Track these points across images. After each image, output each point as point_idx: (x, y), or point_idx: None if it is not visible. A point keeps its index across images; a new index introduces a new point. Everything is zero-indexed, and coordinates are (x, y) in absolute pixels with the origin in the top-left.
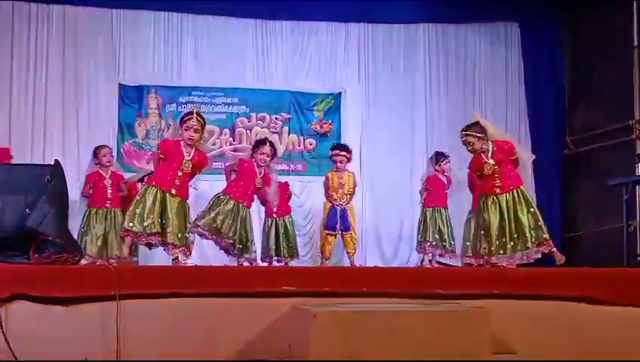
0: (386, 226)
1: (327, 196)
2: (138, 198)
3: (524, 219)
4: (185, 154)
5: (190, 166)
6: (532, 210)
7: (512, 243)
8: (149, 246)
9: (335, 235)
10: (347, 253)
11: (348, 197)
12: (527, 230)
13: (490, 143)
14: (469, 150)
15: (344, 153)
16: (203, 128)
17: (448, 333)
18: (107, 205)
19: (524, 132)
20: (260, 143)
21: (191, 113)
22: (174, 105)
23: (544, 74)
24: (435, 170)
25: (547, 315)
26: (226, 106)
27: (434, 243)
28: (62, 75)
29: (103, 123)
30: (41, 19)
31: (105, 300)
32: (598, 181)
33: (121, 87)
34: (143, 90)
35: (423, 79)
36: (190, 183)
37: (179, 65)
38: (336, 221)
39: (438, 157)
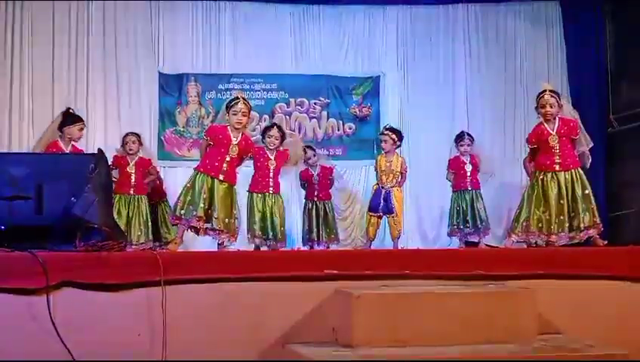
0: (427, 209)
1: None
2: (188, 185)
3: (580, 199)
4: (232, 138)
5: (237, 151)
6: (587, 191)
7: (568, 223)
8: (197, 232)
9: (379, 217)
10: (391, 235)
11: (395, 180)
12: (581, 211)
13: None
14: (543, 112)
15: (389, 133)
16: (250, 112)
17: (494, 315)
18: (131, 192)
19: (569, 110)
20: (267, 128)
21: (237, 98)
22: (214, 92)
23: (586, 52)
24: (459, 151)
25: (592, 294)
26: (265, 92)
27: (455, 227)
28: (103, 65)
29: (144, 112)
30: (81, 9)
31: (150, 286)
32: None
33: (161, 75)
34: (182, 79)
35: (463, 61)
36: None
37: (217, 52)
38: (379, 203)
39: (457, 138)
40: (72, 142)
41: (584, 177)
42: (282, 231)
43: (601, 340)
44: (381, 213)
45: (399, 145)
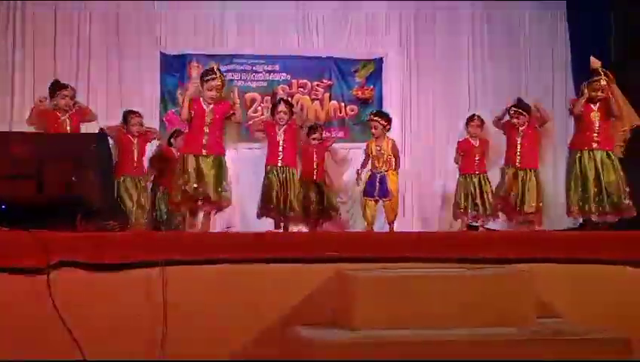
0: (429, 191)
1: (366, 164)
2: (179, 169)
3: (615, 181)
4: (206, 109)
5: (212, 117)
6: (621, 174)
7: (608, 200)
8: (193, 213)
9: (375, 201)
10: (387, 218)
11: (387, 164)
12: (615, 192)
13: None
14: (597, 87)
15: (377, 119)
16: (223, 86)
17: (493, 298)
18: (135, 173)
19: (571, 95)
20: (275, 105)
21: (213, 72)
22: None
23: (591, 38)
24: (468, 133)
25: (591, 278)
26: (267, 74)
27: (462, 210)
28: (105, 45)
29: (146, 92)
30: None
31: (150, 266)
32: None
33: (163, 55)
34: (184, 59)
35: (466, 43)
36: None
37: (220, 33)
38: (375, 187)
39: (468, 119)
40: (68, 111)
41: (617, 160)
42: (296, 204)
43: (601, 324)
44: (377, 197)
45: (389, 129)
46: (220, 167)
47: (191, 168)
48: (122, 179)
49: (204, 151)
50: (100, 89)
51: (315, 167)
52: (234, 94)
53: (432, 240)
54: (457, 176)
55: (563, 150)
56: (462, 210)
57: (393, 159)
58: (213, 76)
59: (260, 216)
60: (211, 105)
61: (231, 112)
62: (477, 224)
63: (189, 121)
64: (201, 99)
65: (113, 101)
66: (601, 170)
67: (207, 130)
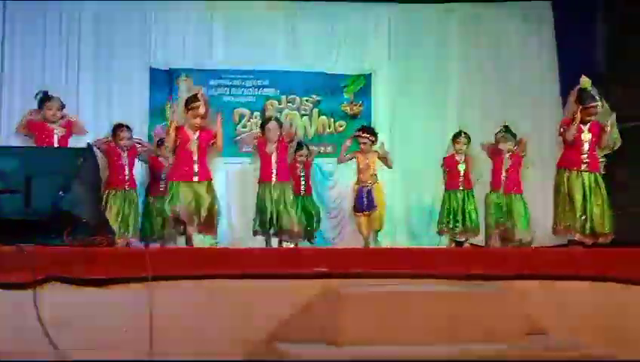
0: (417, 206)
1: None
2: (169, 195)
3: (600, 211)
4: (192, 136)
5: (197, 145)
6: (606, 199)
7: (589, 224)
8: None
9: (366, 215)
10: (373, 228)
11: (374, 178)
12: (598, 220)
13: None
14: (592, 112)
15: (367, 135)
16: (208, 111)
17: (482, 314)
18: (125, 187)
19: (557, 108)
20: (264, 122)
21: (197, 99)
22: (205, 88)
23: (577, 52)
24: (455, 149)
25: (579, 295)
26: (256, 89)
27: (445, 226)
28: (94, 60)
29: (134, 107)
30: (73, 5)
31: (138, 281)
32: (635, 161)
33: (152, 70)
34: (173, 74)
35: (455, 58)
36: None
37: (209, 48)
38: (364, 201)
39: (454, 136)
40: (53, 124)
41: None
42: (291, 220)
43: (588, 341)
44: (366, 211)
45: (376, 144)
46: (210, 192)
47: (184, 195)
48: (111, 192)
49: (195, 179)
50: (89, 103)
51: (302, 183)
52: (218, 122)
53: (421, 256)
54: (443, 192)
55: (548, 166)
56: (445, 226)
57: (377, 174)
58: (198, 103)
59: (256, 233)
60: (197, 133)
61: (212, 141)
62: (462, 240)
63: (173, 150)
64: (186, 126)
65: (102, 115)
66: (588, 194)
67: (196, 158)
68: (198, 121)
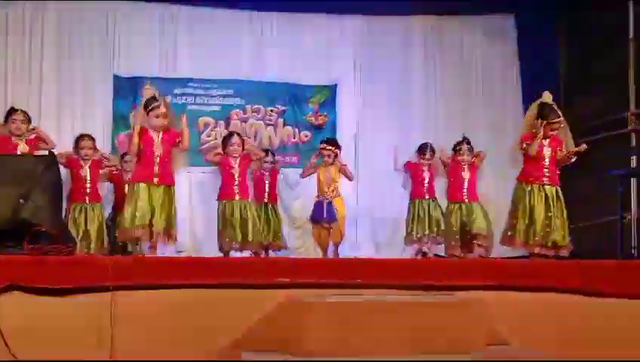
0: (381, 217)
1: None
2: (129, 197)
3: (561, 224)
4: (155, 138)
5: (161, 146)
6: (565, 211)
7: (552, 237)
8: (137, 240)
9: (326, 227)
10: (333, 241)
11: (335, 191)
12: (559, 233)
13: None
14: (555, 127)
15: (331, 148)
16: (168, 110)
17: (444, 325)
18: (86, 201)
19: (521, 122)
20: (227, 137)
21: (156, 99)
22: (169, 97)
23: (540, 65)
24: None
25: (541, 307)
26: (221, 98)
27: (412, 236)
28: (57, 67)
29: (98, 114)
30: (36, 10)
31: (99, 291)
32: (594, 174)
33: (116, 78)
34: (137, 82)
35: (419, 70)
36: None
37: (174, 56)
38: (323, 214)
39: (419, 149)
40: (20, 138)
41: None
42: (255, 233)
43: (550, 352)
44: (326, 223)
45: (338, 155)
46: (170, 197)
47: (142, 198)
48: (75, 207)
49: (155, 180)
50: (52, 113)
51: (267, 190)
52: (183, 120)
53: (384, 267)
54: (408, 202)
55: (506, 178)
56: (412, 236)
57: (339, 186)
58: (157, 104)
59: (221, 250)
60: (160, 134)
61: (177, 140)
62: (426, 251)
63: (138, 153)
64: (150, 129)
65: (65, 125)
66: (552, 207)
67: (158, 160)
68: (160, 121)
